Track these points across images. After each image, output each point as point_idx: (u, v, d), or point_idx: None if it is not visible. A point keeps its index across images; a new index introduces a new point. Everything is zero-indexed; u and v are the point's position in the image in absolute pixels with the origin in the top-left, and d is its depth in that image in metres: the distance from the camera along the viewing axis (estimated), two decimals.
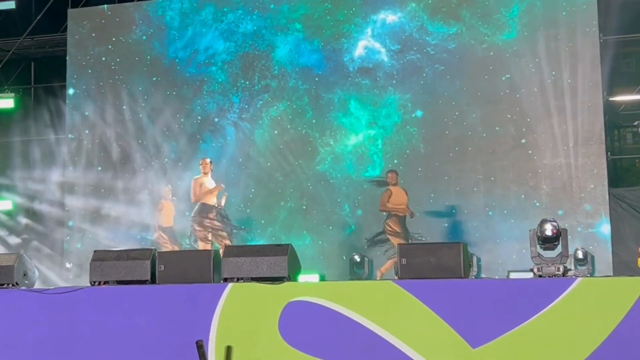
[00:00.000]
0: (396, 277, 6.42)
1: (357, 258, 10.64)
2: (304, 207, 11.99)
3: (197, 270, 6.56)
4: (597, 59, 11.02)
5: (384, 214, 11.19)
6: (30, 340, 6.68)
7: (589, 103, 11.00)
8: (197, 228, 11.47)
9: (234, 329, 6.29)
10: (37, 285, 7.10)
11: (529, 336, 5.79)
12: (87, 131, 12.96)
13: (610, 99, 11.44)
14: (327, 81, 12.15)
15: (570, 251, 6.99)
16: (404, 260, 6.21)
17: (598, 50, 11.03)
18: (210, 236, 11.37)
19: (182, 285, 6.49)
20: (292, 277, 6.39)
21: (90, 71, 13.10)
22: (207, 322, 6.31)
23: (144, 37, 12.98)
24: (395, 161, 11.61)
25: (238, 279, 6.40)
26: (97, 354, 6.53)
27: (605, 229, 10.78)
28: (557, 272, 6.21)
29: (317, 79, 12.19)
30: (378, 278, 10.36)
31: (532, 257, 6.38)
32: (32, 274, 7.07)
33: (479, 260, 10.51)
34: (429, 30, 11.86)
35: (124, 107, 12.86)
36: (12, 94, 13.63)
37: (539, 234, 6.35)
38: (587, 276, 8.42)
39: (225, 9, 12.72)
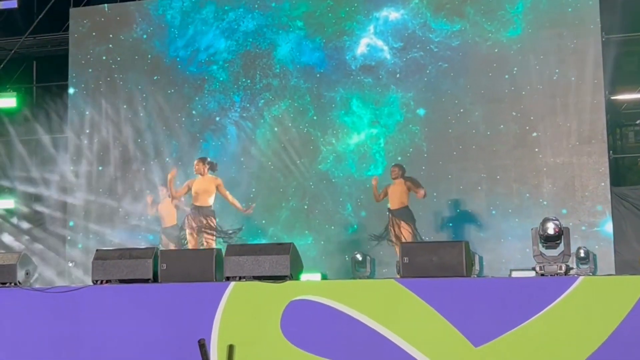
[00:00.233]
0: (398, 276, 6.42)
1: (359, 257, 10.61)
2: (306, 207, 11.97)
3: (199, 269, 6.56)
4: (600, 58, 11.00)
5: (387, 214, 11.07)
6: (33, 339, 6.69)
7: (592, 102, 10.98)
8: (190, 220, 11.23)
9: (236, 327, 6.29)
10: (39, 285, 7.11)
11: (531, 335, 5.80)
12: (87, 131, 12.95)
13: (612, 97, 11.43)
14: (329, 80, 12.11)
15: (573, 250, 6.98)
16: (406, 259, 6.21)
17: (600, 49, 11.01)
18: (195, 232, 11.11)
19: (184, 284, 6.50)
20: (294, 275, 6.39)
21: (90, 70, 13.07)
22: (209, 321, 6.32)
23: (145, 36, 12.96)
24: (398, 160, 11.57)
25: (240, 278, 6.40)
26: (99, 353, 6.53)
27: (608, 227, 10.76)
28: (559, 271, 6.22)
29: (318, 77, 12.14)
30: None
31: (534, 256, 6.39)
32: (35, 273, 7.08)
33: (481, 259, 10.47)
34: (432, 28, 11.76)
35: (125, 107, 12.84)
36: (14, 93, 13.63)
37: (541, 233, 6.36)
38: (589, 275, 8.38)
39: (226, 8, 12.69)
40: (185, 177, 11.94)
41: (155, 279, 6.64)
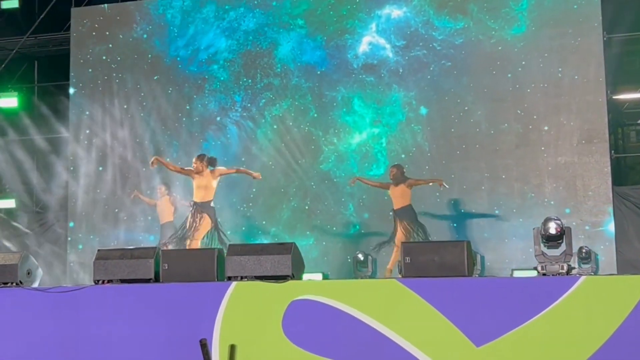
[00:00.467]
0: (400, 275, 6.41)
1: (360, 257, 10.59)
2: (308, 207, 11.95)
3: (201, 269, 6.56)
4: (601, 57, 10.98)
5: (390, 214, 10.98)
6: (34, 339, 6.69)
7: (594, 101, 10.96)
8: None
9: (237, 327, 6.29)
10: (41, 284, 7.11)
11: (532, 334, 5.79)
12: (87, 131, 12.93)
13: (614, 97, 11.42)
14: (330, 79, 12.08)
15: (574, 249, 6.98)
16: (407, 259, 6.21)
17: (602, 48, 10.99)
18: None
19: (185, 283, 6.50)
20: (296, 275, 6.39)
21: (90, 70, 13.05)
22: (210, 321, 6.32)
23: (145, 36, 12.94)
24: (400, 160, 11.54)
25: (242, 278, 6.40)
26: (100, 353, 6.53)
27: (609, 227, 10.76)
28: (561, 271, 6.21)
29: (320, 76, 12.10)
30: (387, 275, 10.23)
31: (536, 256, 6.39)
32: (36, 272, 7.08)
33: (482, 258, 10.48)
34: (435, 25, 11.69)
35: (125, 107, 12.82)
36: (16, 93, 13.64)
37: (543, 233, 6.35)
38: (591, 274, 8.38)
39: (226, 7, 12.66)
40: (186, 178, 11.91)
41: (156, 279, 6.64)
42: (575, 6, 11.16)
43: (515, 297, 5.89)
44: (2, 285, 6.84)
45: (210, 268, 6.55)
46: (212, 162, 10.76)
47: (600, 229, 10.74)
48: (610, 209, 10.75)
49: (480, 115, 11.41)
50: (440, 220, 11.33)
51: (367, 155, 11.81)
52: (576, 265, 8.72)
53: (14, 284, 6.82)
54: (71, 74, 13.15)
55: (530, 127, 11.21)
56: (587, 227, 10.74)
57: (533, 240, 6.46)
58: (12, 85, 14.00)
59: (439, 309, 5.95)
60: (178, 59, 12.73)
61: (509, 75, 11.32)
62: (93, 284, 6.77)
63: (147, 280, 6.64)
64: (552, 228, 6.31)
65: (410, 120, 11.70)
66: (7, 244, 13.03)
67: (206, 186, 10.83)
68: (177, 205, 11.61)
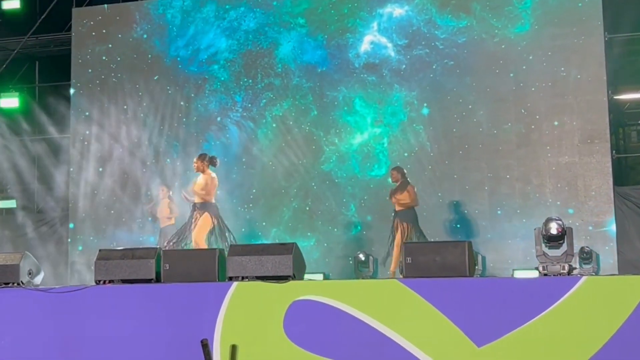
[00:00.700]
0: (401, 276, 6.41)
1: (361, 257, 10.59)
2: (309, 208, 11.92)
3: (202, 269, 6.56)
4: (602, 57, 10.96)
5: (392, 215, 10.91)
6: (36, 339, 6.69)
7: (595, 101, 10.94)
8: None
9: (239, 327, 6.29)
10: (42, 285, 7.11)
11: (534, 335, 5.79)
12: (87, 132, 12.92)
13: (615, 97, 11.41)
14: (331, 79, 12.05)
15: (576, 250, 6.97)
16: (409, 259, 6.21)
17: (603, 48, 10.97)
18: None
19: (187, 284, 6.50)
20: (297, 275, 6.39)
21: (90, 71, 13.05)
22: (212, 321, 6.31)
23: (145, 36, 12.93)
24: (402, 160, 11.49)
25: (243, 278, 6.40)
26: (102, 353, 6.53)
27: (611, 227, 10.75)
28: (562, 271, 6.21)
29: (321, 76, 12.06)
30: (391, 276, 10.14)
31: (537, 256, 6.39)
32: (37, 272, 7.08)
33: (484, 259, 10.48)
34: (438, 24, 11.64)
35: (125, 107, 12.81)
36: (17, 93, 13.66)
37: (544, 233, 6.35)
38: (592, 275, 8.40)
39: (227, 6, 12.64)
40: (186, 178, 11.90)
41: (158, 279, 6.64)
42: (579, 4, 11.09)
43: (516, 298, 5.89)
44: (4, 285, 6.84)
45: (211, 268, 6.55)
46: (212, 162, 10.62)
47: (603, 229, 10.72)
48: (611, 209, 10.74)
49: (482, 115, 11.38)
50: (442, 220, 11.31)
51: (369, 156, 11.77)
52: (577, 266, 8.73)
53: (15, 284, 6.82)
54: (73, 74, 13.15)
55: (531, 127, 11.19)
56: (590, 228, 10.73)
57: (534, 240, 6.45)
58: (13, 86, 14.02)
59: (440, 309, 5.95)
60: (178, 59, 12.71)
61: (511, 74, 11.27)
62: (94, 284, 6.77)
63: (149, 281, 6.63)
64: (554, 228, 6.31)
65: (412, 120, 11.66)
66: (8, 244, 13.03)
67: (202, 187, 10.64)
68: (174, 210, 11.53)
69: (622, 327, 5.65)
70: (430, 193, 11.34)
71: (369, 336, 6.06)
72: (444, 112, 11.53)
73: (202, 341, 6.01)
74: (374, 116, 11.83)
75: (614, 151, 11.07)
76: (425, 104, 11.64)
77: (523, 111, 11.23)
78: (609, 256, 10.48)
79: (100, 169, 12.75)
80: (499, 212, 11.18)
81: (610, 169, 10.84)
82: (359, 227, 11.73)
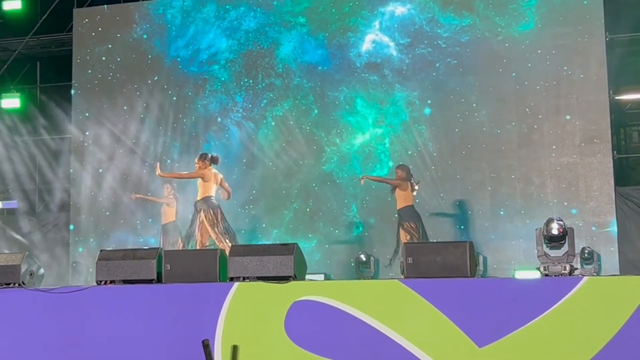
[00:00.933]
0: (402, 276, 6.41)
1: (362, 257, 10.57)
2: (310, 208, 11.88)
3: (203, 270, 6.56)
4: (604, 57, 10.94)
5: (395, 216, 10.85)
6: (37, 340, 6.69)
7: (596, 101, 10.91)
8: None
9: (240, 328, 6.29)
10: (43, 285, 7.11)
11: (535, 335, 5.79)
12: (87, 133, 12.90)
13: (617, 97, 11.40)
14: (332, 79, 12.02)
15: (577, 250, 6.97)
16: (410, 259, 6.20)
17: (604, 49, 10.96)
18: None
19: (188, 284, 6.50)
20: (298, 276, 6.38)
21: (90, 71, 13.04)
22: (213, 322, 6.31)
23: (145, 36, 12.92)
24: (403, 160, 11.43)
25: (244, 278, 6.40)
26: (103, 353, 6.53)
27: (612, 227, 10.74)
28: (563, 271, 6.21)
29: (322, 76, 12.01)
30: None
31: (538, 256, 6.39)
32: (38, 273, 7.08)
33: (485, 259, 10.46)
34: (441, 22, 11.55)
35: (125, 108, 12.79)
36: (18, 94, 13.66)
37: (545, 233, 6.35)
38: (594, 275, 8.40)
39: (227, 6, 12.62)
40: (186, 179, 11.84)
41: (159, 280, 6.64)
42: (585, 2, 11.02)
43: (517, 298, 5.89)
44: (5, 285, 6.85)
45: (212, 269, 6.55)
46: (214, 160, 10.56)
47: (605, 229, 10.71)
48: (613, 209, 10.73)
49: (484, 115, 11.33)
50: (444, 220, 11.29)
51: (370, 156, 11.73)
52: (579, 266, 8.72)
53: (17, 285, 6.82)
54: (73, 74, 13.14)
55: (533, 127, 11.17)
56: (593, 228, 10.71)
57: (535, 240, 6.45)
58: (14, 86, 14.02)
59: (441, 309, 5.94)
60: (178, 59, 12.70)
61: (514, 74, 11.22)
62: (95, 284, 6.77)
63: (150, 281, 6.63)
64: (555, 229, 6.31)
65: (414, 120, 11.62)
66: (10, 244, 13.04)
67: (205, 185, 10.62)
68: (179, 206, 11.48)
69: (624, 328, 5.64)
70: (432, 193, 11.32)
71: (370, 337, 6.06)
72: (445, 112, 11.48)
73: (203, 341, 6.01)
74: (375, 116, 11.79)
75: (615, 151, 11.06)
76: (427, 104, 11.60)
77: (526, 111, 11.19)
78: (610, 256, 10.47)
79: (101, 170, 12.74)
80: (501, 212, 11.15)
81: (612, 170, 10.83)
82: (360, 228, 11.70)
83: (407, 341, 5.99)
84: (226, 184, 10.36)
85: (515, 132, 11.26)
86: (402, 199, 10.43)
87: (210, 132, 12.45)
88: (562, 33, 11.07)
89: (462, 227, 11.27)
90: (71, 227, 12.82)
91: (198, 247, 9.95)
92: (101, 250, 7.03)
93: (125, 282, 6.69)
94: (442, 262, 6.14)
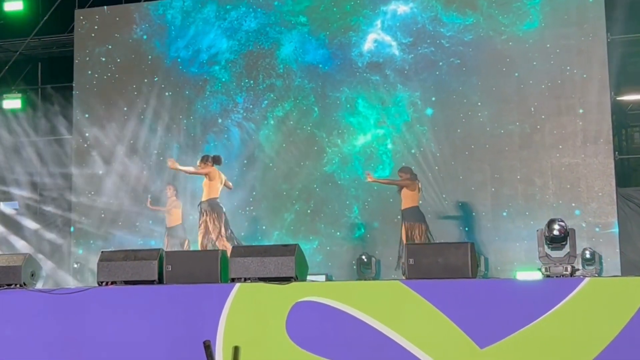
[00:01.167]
0: (404, 277, 6.41)
1: (364, 258, 10.57)
2: (311, 210, 11.84)
3: (205, 271, 6.56)
4: (605, 58, 10.93)
5: (398, 217, 10.81)
6: (38, 340, 6.69)
7: (598, 102, 10.89)
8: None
9: (241, 329, 6.29)
10: (44, 286, 7.11)
11: (536, 336, 5.78)
12: (87, 134, 12.90)
13: (618, 98, 11.40)
14: (334, 79, 11.99)
15: (578, 251, 6.96)
16: (411, 260, 6.20)
17: (606, 49, 10.94)
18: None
19: (189, 285, 6.50)
20: (299, 277, 6.38)
21: (90, 72, 13.04)
22: (214, 323, 6.31)
23: (145, 37, 12.91)
24: (405, 161, 11.41)
25: (245, 279, 6.40)
26: (104, 354, 6.53)
27: (613, 228, 10.73)
28: (565, 272, 6.21)
29: (323, 76, 11.97)
30: None
31: (540, 257, 6.39)
32: (40, 274, 7.08)
33: (486, 260, 10.46)
34: (444, 21, 11.48)
35: (125, 109, 12.78)
36: (19, 95, 13.67)
37: (547, 234, 6.35)
38: (595, 276, 8.39)
39: (228, 7, 12.59)
40: (186, 180, 11.84)
41: (160, 281, 6.64)
42: (590, 0, 10.96)
43: (519, 299, 5.88)
44: (6, 286, 6.85)
45: (214, 269, 6.55)
46: (217, 160, 10.53)
47: (606, 230, 10.69)
48: (614, 210, 10.72)
49: (487, 116, 11.30)
50: (446, 221, 11.27)
51: (372, 157, 11.70)
52: (580, 267, 8.72)
53: (18, 286, 6.83)
54: (75, 75, 13.13)
55: (534, 128, 11.15)
56: (597, 229, 10.69)
57: (537, 241, 6.45)
58: (16, 87, 14.03)
59: (442, 310, 5.94)
60: (179, 60, 12.68)
61: (516, 74, 11.19)
62: (97, 285, 6.77)
63: (151, 282, 6.63)
64: (556, 229, 6.31)
65: (416, 120, 11.59)
66: (11, 245, 13.04)
67: (210, 185, 10.61)
68: (184, 208, 11.42)
69: (625, 329, 5.64)
70: (434, 194, 11.30)
71: (371, 337, 6.05)
72: (448, 113, 11.44)
73: (204, 342, 6.01)
74: (377, 117, 11.76)
75: (616, 152, 11.05)
76: (429, 105, 11.57)
77: (528, 111, 11.16)
78: (611, 257, 10.47)
79: (101, 172, 12.72)
80: (504, 214, 11.13)
81: (613, 170, 10.82)
82: (362, 230, 11.67)
83: (408, 342, 5.99)
84: (229, 183, 10.40)
85: (517, 132, 11.24)
86: (408, 199, 10.38)
87: (210, 133, 12.43)
88: (566, 32, 11.00)
89: (463, 228, 11.26)
90: (72, 229, 12.81)
91: (200, 249, 9.96)
92: (102, 251, 7.03)
93: (127, 283, 6.69)
94: (443, 263, 6.14)
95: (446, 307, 5.95)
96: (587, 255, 9.63)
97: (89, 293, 6.65)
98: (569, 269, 6.22)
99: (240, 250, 6.65)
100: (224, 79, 12.49)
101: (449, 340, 5.91)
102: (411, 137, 11.55)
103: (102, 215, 12.61)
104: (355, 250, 11.26)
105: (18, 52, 13.82)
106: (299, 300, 6.22)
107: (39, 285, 7.04)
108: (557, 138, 11.06)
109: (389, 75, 11.72)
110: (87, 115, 12.95)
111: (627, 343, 5.63)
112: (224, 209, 10.13)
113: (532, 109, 11.16)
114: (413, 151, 11.52)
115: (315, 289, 6.34)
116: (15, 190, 13.66)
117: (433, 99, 11.52)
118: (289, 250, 6.42)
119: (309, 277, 6.78)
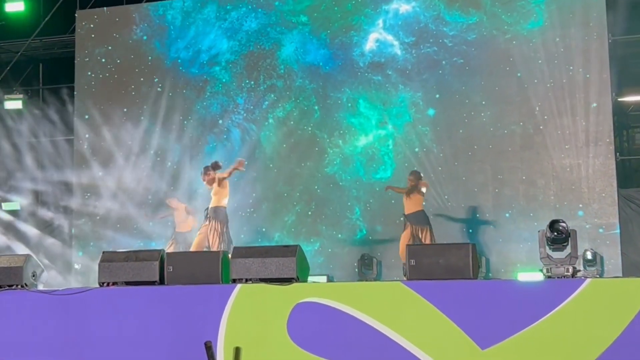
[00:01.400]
0: (405, 278, 6.41)
1: (365, 259, 10.57)
2: (313, 211, 11.81)
3: (206, 271, 6.56)
4: (606, 59, 10.91)
5: (401, 219, 10.75)
6: (40, 341, 6.69)
7: (599, 103, 10.89)
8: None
9: (242, 330, 6.29)
10: (45, 287, 7.12)
11: (538, 337, 5.78)
12: (87, 135, 12.89)
13: (619, 99, 11.39)
14: (335, 80, 11.96)
15: (579, 252, 6.96)
16: (412, 261, 6.20)
17: (607, 50, 10.93)
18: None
19: (190, 286, 6.50)
20: (300, 278, 6.38)
21: (90, 73, 13.04)
22: (215, 323, 6.31)
23: (145, 37, 12.90)
24: (407, 162, 11.42)
25: (247, 280, 6.40)
26: (105, 355, 6.53)
27: (615, 229, 10.72)
28: (566, 273, 6.21)
29: (324, 77, 11.95)
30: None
31: (541, 258, 6.39)
32: (41, 275, 7.09)
33: (488, 261, 10.45)
34: (447, 20, 11.41)
35: (125, 110, 12.77)
36: (21, 95, 13.66)
37: (548, 235, 6.35)
38: (597, 277, 8.40)
39: (228, 7, 12.58)
40: (186, 181, 11.83)
41: (161, 281, 6.64)
42: None
43: (520, 300, 5.88)
44: (7, 287, 6.85)
45: (215, 270, 6.55)
46: (215, 167, 10.56)
47: (608, 232, 10.67)
48: (615, 211, 10.71)
49: (489, 116, 11.27)
50: (448, 222, 11.26)
51: (374, 158, 11.68)
52: (581, 268, 8.72)
53: (19, 286, 6.83)
54: (76, 76, 13.13)
55: (537, 129, 11.13)
56: (600, 230, 10.68)
57: (538, 242, 6.45)
58: (17, 88, 14.03)
59: (444, 311, 5.94)
60: (179, 60, 12.66)
61: (519, 74, 11.16)
62: (98, 286, 6.77)
63: (152, 283, 6.63)
64: (557, 231, 6.31)
65: (418, 121, 11.56)
66: (12, 246, 13.04)
67: (215, 192, 10.50)
68: (193, 215, 11.36)
69: (626, 330, 5.64)
70: (436, 195, 11.29)
71: (372, 338, 6.05)
72: (450, 113, 11.41)
73: (205, 343, 6.01)
74: (378, 117, 11.73)
75: (617, 153, 11.04)
76: (430, 105, 11.53)
77: (530, 112, 11.15)
78: (612, 258, 10.46)
79: (100, 173, 12.72)
80: (507, 215, 11.11)
81: (615, 171, 10.82)
82: (364, 231, 11.65)
83: (409, 343, 5.99)
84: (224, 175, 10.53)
85: (519, 133, 11.22)
86: (414, 203, 10.35)
87: (211, 134, 12.42)
88: (571, 32, 10.94)
89: (465, 228, 11.24)
90: (72, 230, 12.80)
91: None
92: (104, 252, 7.03)
93: (128, 283, 6.69)
94: (444, 264, 6.14)
95: (447, 308, 5.95)
96: (589, 257, 9.63)
97: (90, 294, 6.65)
98: (571, 270, 6.23)
99: (242, 251, 6.64)
100: (224, 80, 12.48)
101: (450, 341, 5.91)
102: (413, 137, 11.53)
103: (102, 217, 12.59)
104: (356, 252, 11.23)
105: (19, 53, 13.83)
106: (300, 301, 6.22)
107: (41, 286, 7.04)
108: (559, 139, 11.05)
109: (391, 75, 11.69)
110: (87, 117, 12.94)
111: (628, 344, 5.63)
112: (227, 218, 10.15)
113: (534, 110, 11.10)
114: (415, 152, 11.50)
115: (316, 290, 6.34)
116: (16, 191, 13.65)
117: (437, 96, 11.47)
118: (290, 251, 6.42)
119: (310, 278, 6.78)
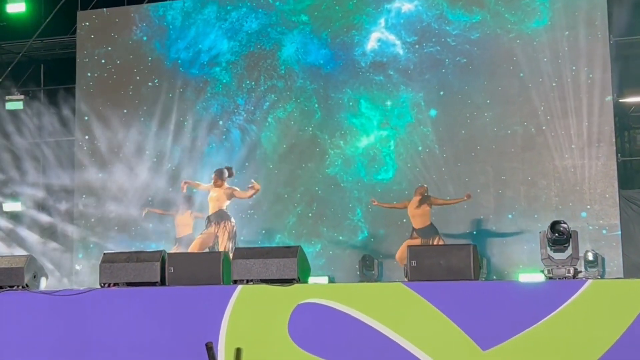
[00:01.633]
0: (406, 279, 6.40)
1: (367, 260, 10.56)
2: (314, 213, 11.80)
3: (207, 272, 6.56)
4: (608, 60, 10.91)
5: (402, 220, 10.76)
6: (40, 342, 6.69)
7: (600, 104, 10.89)
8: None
9: (243, 331, 6.29)
10: (47, 288, 7.12)
11: (539, 338, 5.78)
12: (87, 136, 12.89)
13: (621, 100, 11.39)
14: (336, 80, 11.95)
15: (581, 253, 6.96)
16: (413, 262, 6.20)
17: (608, 51, 10.93)
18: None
19: (191, 287, 6.50)
20: (301, 279, 6.38)
21: (89, 74, 13.05)
22: (216, 324, 6.31)
23: (145, 38, 12.90)
24: (409, 163, 11.40)
25: (248, 281, 6.40)
26: (106, 355, 6.53)
27: (616, 230, 10.71)
28: (567, 274, 6.20)
29: (325, 77, 11.93)
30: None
31: (542, 259, 6.39)
32: (42, 276, 7.09)
33: (489, 262, 10.45)
34: (449, 19, 11.35)
35: (125, 111, 12.77)
36: (22, 96, 13.68)
37: (549, 236, 6.35)
38: (598, 278, 8.39)
39: (228, 7, 12.57)
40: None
41: (162, 282, 6.64)
42: None
43: (521, 301, 5.88)
44: (8, 288, 6.85)
45: (216, 271, 6.55)
46: (231, 174, 10.50)
47: (606, 232, 10.68)
48: (617, 212, 10.71)
49: (491, 117, 11.26)
50: (448, 223, 11.24)
51: (375, 159, 11.66)
52: (583, 269, 8.72)
53: (20, 287, 6.83)
54: (77, 77, 13.14)
55: (539, 129, 11.12)
56: (592, 231, 10.69)
57: (539, 243, 6.45)
58: (18, 89, 14.04)
59: (445, 312, 5.94)
60: (179, 61, 12.66)
61: (521, 74, 11.14)
62: (99, 287, 6.77)
63: (153, 284, 6.63)
64: (559, 231, 6.31)
65: (419, 122, 11.54)
66: (13, 246, 13.04)
67: (218, 198, 10.45)
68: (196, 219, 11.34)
69: (628, 331, 5.63)
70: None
71: (373, 339, 6.05)
72: (452, 113, 11.39)
73: (206, 344, 6.01)
74: (380, 118, 11.71)
75: (619, 154, 11.04)
76: (432, 106, 11.51)
77: (532, 112, 11.14)
78: (614, 259, 10.46)
79: (100, 175, 12.71)
80: (509, 216, 11.10)
81: (616, 172, 10.82)
82: (365, 232, 11.64)
83: (410, 344, 5.98)
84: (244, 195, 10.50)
85: (520, 134, 11.21)
86: (422, 218, 10.31)
87: (211, 135, 12.41)
88: (574, 32, 10.91)
89: (466, 229, 11.24)
90: (72, 231, 12.80)
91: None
92: (105, 253, 7.02)
93: (129, 284, 6.68)
94: (446, 265, 6.13)
95: (448, 309, 5.94)
96: (590, 258, 9.63)
97: (91, 295, 6.65)
98: (572, 271, 6.22)
99: (243, 252, 6.64)
100: (224, 81, 12.47)
101: (451, 342, 5.91)
102: (415, 138, 11.50)
103: (102, 218, 12.59)
104: (358, 253, 11.23)
105: (20, 54, 13.84)
106: (302, 302, 6.22)
107: (42, 287, 7.04)
108: (560, 139, 11.05)
109: (392, 75, 11.66)
110: (86, 118, 12.95)
111: (630, 345, 5.63)
112: (228, 214, 10.15)
113: (537, 110, 11.06)
114: (417, 152, 11.48)
115: (317, 291, 6.34)
116: (16, 191, 13.66)
117: (437, 100, 11.45)
118: (291, 251, 6.42)
119: (311, 280, 6.78)
